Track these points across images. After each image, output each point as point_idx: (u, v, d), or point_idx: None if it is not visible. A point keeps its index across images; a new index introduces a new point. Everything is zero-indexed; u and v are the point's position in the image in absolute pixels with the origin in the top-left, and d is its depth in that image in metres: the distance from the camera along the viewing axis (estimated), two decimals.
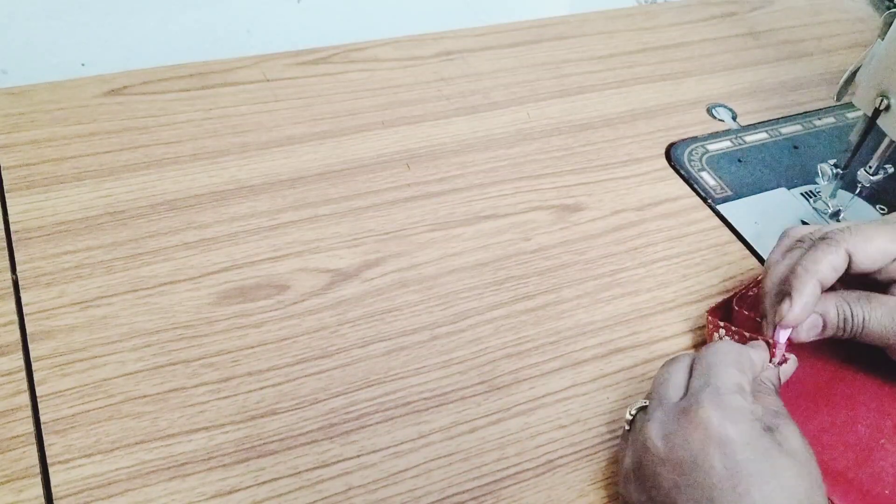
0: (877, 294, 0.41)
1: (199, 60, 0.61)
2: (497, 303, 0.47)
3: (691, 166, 0.58)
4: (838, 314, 0.40)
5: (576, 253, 0.50)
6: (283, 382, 0.41)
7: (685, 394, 0.36)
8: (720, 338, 0.43)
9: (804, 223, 0.55)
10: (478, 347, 0.44)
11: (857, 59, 0.51)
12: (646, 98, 0.64)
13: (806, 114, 0.65)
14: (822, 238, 0.40)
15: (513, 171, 0.56)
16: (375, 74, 0.62)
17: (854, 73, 0.51)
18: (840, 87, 0.52)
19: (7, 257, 0.45)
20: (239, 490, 0.37)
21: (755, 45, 0.73)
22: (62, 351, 0.41)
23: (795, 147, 0.62)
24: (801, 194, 0.58)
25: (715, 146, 0.61)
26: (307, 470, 0.38)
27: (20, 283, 0.44)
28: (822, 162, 0.54)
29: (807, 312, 0.39)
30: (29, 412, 0.38)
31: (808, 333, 0.40)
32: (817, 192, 0.57)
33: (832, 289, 0.42)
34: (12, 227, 0.47)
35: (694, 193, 0.56)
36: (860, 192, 0.54)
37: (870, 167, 0.52)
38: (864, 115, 0.50)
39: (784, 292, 0.40)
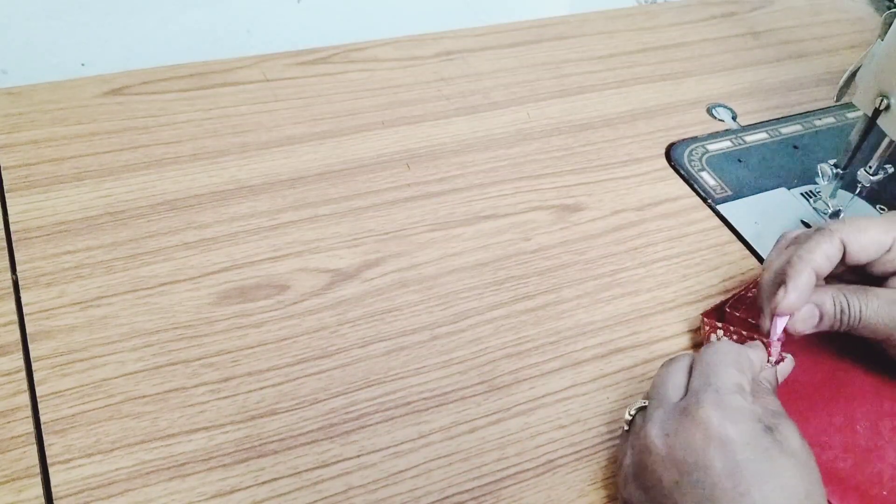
0: (873, 287, 0.41)
1: (199, 60, 0.61)
2: (497, 303, 0.47)
3: (691, 166, 0.58)
4: (835, 305, 0.40)
5: (576, 253, 0.50)
6: (283, 382, 0.41)
7: (685, 394, 0.36)
8: (718, 338, 0.44)
9: (804, 223, 0.55)
10: (478, 347, 0.44)
11: (857, 59, 0.51)
12: (646, 98, 0.64)
13: (806, 114, 0.65)
14: (817, 230, 0.41)
15: (513, 171, 0.56)
16: (375, 74, 0.62)
17: (854, 73, 0.51)
18: (840, 87, 0.52)
19: (7, 257, 0.45)
20: (239, 490, 0.37)
21: (755, 45, 0.73)
22: (62, 351, 0.41)
23: (795, 147, 0.62)
24: (801, 194, 0.58)
25: (715, 146, 0.61)
26: (307, 470, 0.38)
27: (20, 283, 0.44)
28: (822, 162, 0.54)
29: (802, 300, 0.39)
30: (29, 412, 0.38)
31: (804, 324, 0.40)
32: (817, 192, 0.57)
33: (829, 283, 0.42)
34: (12, 227, 0.47)
35: (694, 193, 0.56)
36: (860, 192, 0.54)
37: (870, 167, 0.52)
38: (864, 115, 0.50)
39: (780, 283, 0.40)
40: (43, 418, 0.38)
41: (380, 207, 0.51)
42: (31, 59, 0.64)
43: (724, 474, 0.32)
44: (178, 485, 0.37)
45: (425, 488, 0.38)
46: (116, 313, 0.43)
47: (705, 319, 0.45)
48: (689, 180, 0.57)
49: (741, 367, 0.36)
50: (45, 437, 0.38)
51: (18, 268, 0.45)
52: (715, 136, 0.62)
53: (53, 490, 0.36)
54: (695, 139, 0.61)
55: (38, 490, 0.36)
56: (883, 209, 0.57)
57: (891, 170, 0.53)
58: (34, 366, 0.40)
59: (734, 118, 0.64)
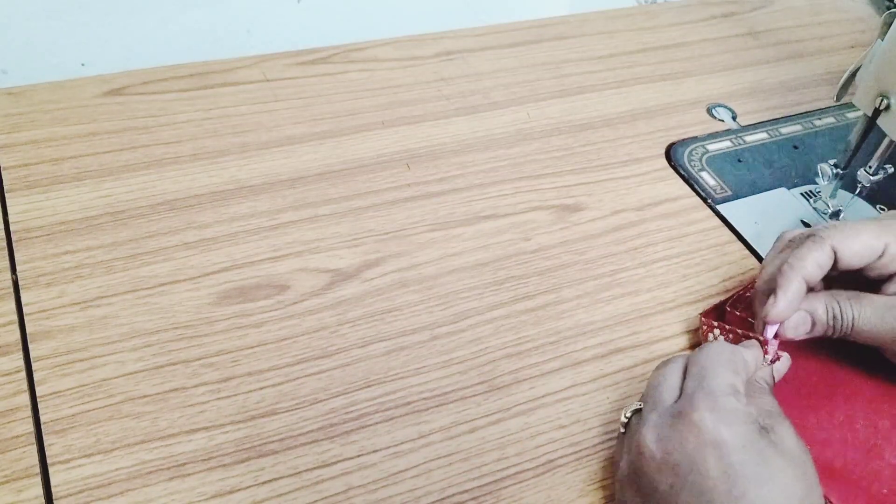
0: (867, 293, 0.41)
1: (199, 60, 0.61)
2: (497, 303, 0.47)
3: (691, 166, 0.58)
4: (827, 312, 0.40)
5: (576, 253, 0.50)
6: (283, 382, 0.41)
7: (679, 396, 0.36)
8: (714, 338, 0.44)
9: (804, 223, 0.55)
10: (478, 347, 0.44)
11: (857, 59, 0.51)
12: (646, 98, 0.64)
13: (806, 114, 0.65)
14: (808, 236, 0.40)
15: (513, 171, 0.56)
16: (375, 74, 0.62)
17: (854, 73, 0.51)
18: (840, 88, 0.52)
19: (7, 257, 0.45)
20: (239, 490, 0.37)
21: (755, 45, 0.73)
22: (62, 351, 0.41)
23: (795, 147, 0.62)
24: (801, 194, 0.58)
25: (715, 146, 0.61)
26: (307, 470, 0.38)
27: (20, 283, 0.44)
28: (822, 162, 0.54)
29: (791, 309, 0.39)
30: (29, 412, 0.38)
31: (795, 331, 0.40)
32: (817, 192, 0.57)
33: (828, 289, 0.42)
34: (12, 227, 0.47)
35: (694, 193, 0.56)
36: (860, 192, 0.54)
37: (870, 167, 0.52)
38: (864, 115, 0.50)
39: (771, 290, 0.40)
40: (43, 418, 0.38)
41: (380, 207, 0.51)
42: (31, 59, 0.64)
43: (719, 477, 0.32)
44: (178, 485, 0.37)
45: (425, 488, 0.38)
46: (116, 313, 0.43)
47: (703, 319, 0.45)
48: (689, 180, 0.57)
49: (735, 367, 0.36)
50: (45, 437, 0.38)
51: (18, 268, 0.45)
52: (715, 136, 0.62)
53: (53, 490, 0.36)
54: (695, 139, 0.61)
55: (38, 490, 0.36)
56: (883, 209, 0.57)
57: (891, 170, 0.53)
58: (34, 366, 0.40)
59: (734, 118, 0.64)
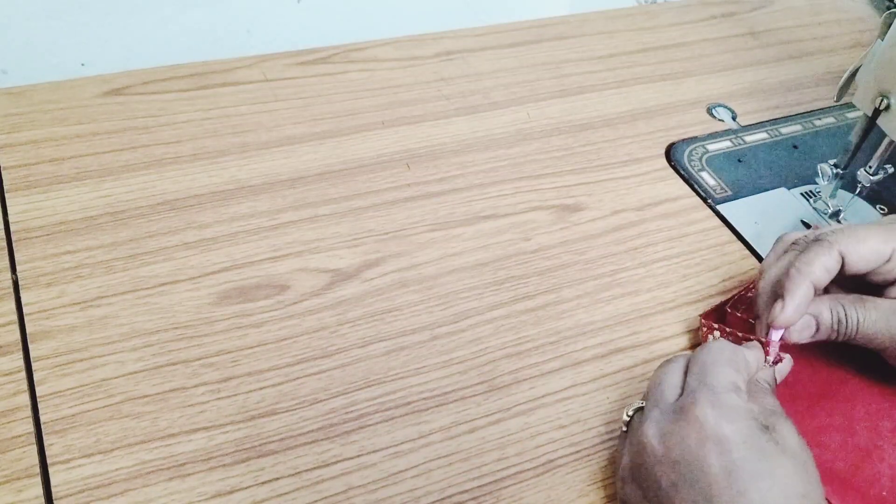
0: (871, 297, 0.41)
1: (199, 60, 0.61)
2: (497, 303, 0.47)
3: (691, 166, 0.58)
4: (832, 316, 0.40)
5: (576, 253, 0.50)
6: (283, 382, 0.41)
7: (681, 394, 0.36)
8: (715, 339, 0.44)
9: (804, 223, 0.55)
10: (478, 347, 0.44)
11: (857, 59, 0.51)
12: (646, 98, 0.64)
13: (806, 114, 0.65)
14: (816, 240, 0.40)
15: (513, 171, 0.56)
16: (375, 74, 0.62)
17: (854, 73, 0.51)
18: (840, 87, 0.52)
19: (7, 257, 0.45)
20: (239, 490, 0.37)
21: (755, 45, 0.73)
22: (62, 351, 0.41)
23: (795, 147, 0.62)
24: (801, 194, 0.58)
25: (715, 146, 0.61)
26: (307, 470, 0.38)
27: (20, 283, 0.44)
28: (822, 162, 0.54)
29: (799, 314, 0.39)
30: (29, 412, 0.38)
31: (800, 335, 0.40)
32: (817, 192, 0.57)
33: (826, 290, 0.42)
34: (12, 227, 0.47)
35: (694, 193, 0.56)
36: (860, 192, 0.54)
37: (870, 167, 0.52)
38: (864, 115, 0.50)
39: (777, 294, 0.40)
40: (43, 418, 0.38)
41: (380, 207, 0.51)
42: (31, 59, 0.64)
43: (720, 473, 0.32)
44: (178, 485, 0.37)
45: (425, 488, 0.38)
46: (116, 313, 0.43)
47: (703, 321, 0.45)
48: (689, 180, 0.57)
49: (737, 366, 0.36)
50: (45, 437, 0.38)
51: (18, 268, 0.45)
52: (715, 136, 0.62)
53: (53, 490, 0.36)
54: (695, 139, 0.61)
55: (38, 490, 0.36)
56: (883, 209, 0.57)
57: (891, 170, 0.53)
58: (34, 366, 0.40)
59: (734, 118, 0.64)
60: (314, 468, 0.38)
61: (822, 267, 0.39)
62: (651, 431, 0.34)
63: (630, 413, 0.38)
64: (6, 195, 0.49)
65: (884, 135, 0.50)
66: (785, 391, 0.42)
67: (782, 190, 0.58)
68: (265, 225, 0.49)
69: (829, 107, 0.66)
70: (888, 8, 0.70)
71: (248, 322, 0.44)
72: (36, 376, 0.40)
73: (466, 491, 0.38)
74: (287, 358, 0.42)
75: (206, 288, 0.45)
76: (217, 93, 0.58)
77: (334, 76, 0.62)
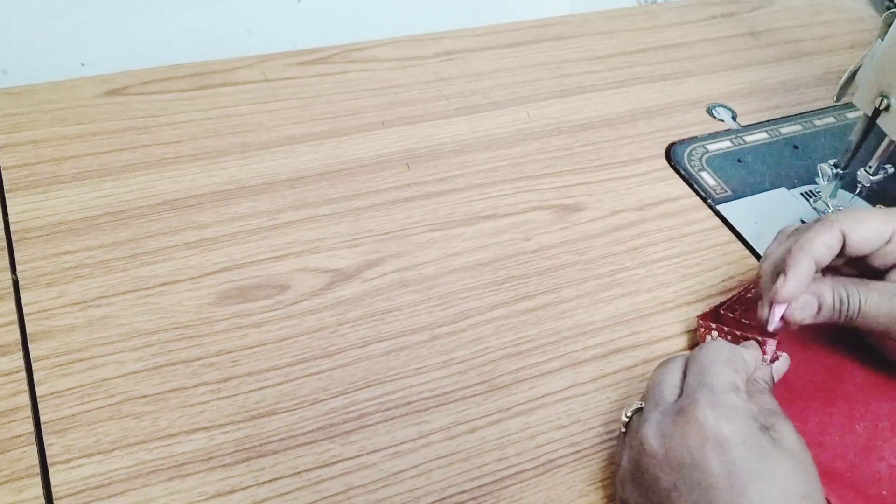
0: (873, 280, 0.41)
1: (199, 60, 0.61)
2: (497, 303, 0.47)
3: (691, 166, 0.58)
4: (834, 296, 0.40)
5: (576, 253, 0.50)
6: (283, 382, 0.41)
7: (680, 394, 0.36)
8: (713, 339, 0.44)
9: (804, 223, 0.55)
10: (478, 347, 0.44)
11: (857, 59, 0.51)
12: (646, 98, 0.64)
13: (806, 114, 0.65)
14: (817, 220, 0.41)
15: (513, 171, 0.56)
16: (375, 74, 0.62)
17: (854, 73, 0.51)
18: (840, 87, 0.52)
19: (7, 257, 0.45)
20: (239, 490, 0.37)
21: (755, 45, 0.73)
22: (62, 351, 0.41)
23: (795, 147, 0.62)
24: (801, 194, 0.58)
25: (715, 146, 0.61)
26: (307, 470, 0.38)
27: (20, 283, 0.44)
28: (822, 162, 0.54)
29: (801, 288, 0.39)
30: (29, 412, 0.38)
31: (802, 312, 0.40)
32: (817, 192, 0.57)
33: (827, 276, 0.42)
34: (12, 227, 0.47)
35: (694, 193, 0.56)
36: (860, 192, 0.54)
37: (870, 167, 0.52)
38: (864, 115, 0.50)
39: (779, 272, 0.40)
40: (43, 418, 0.38)
41: (380, 207, 0.51)
42: (31, 59, 0.64)
43: (720, 474, 0.32)
44: (178, 485, 0.37)
45: (425, 488, 0.38)
46: (116, 313, 0.43)
47: (700, 321, 0.45)
48: (689, 180, 0.57)
49: (735, 366, 0.36)
50: (45, 437, 0.38)
51: (18, 268, 0.45)
52: (715, 136, 0.62)
53: (53, 490, 0.36)
54: (695, 139, 0.61)
55: (38, 490, 0.36)
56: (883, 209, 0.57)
57: (891, 170, 0.53)
58: (34, 366, 0.40)
59: (734, 118, 0.64)
60: (314, 468, 0.38)
61: (823, 244, 0.39)
62: (650, 432, 0.34)
63: (629, 414, 0.38)
64: (6, 195, 0.49)
65: (884, 135, 0.50)
66: (784, 391, 0.42)
67: (782, 190, 0.58)
68: (265, 225, 0.49)
69: (829, 107, 0.66)
70: (888, 8, 0.70)
71: (248, 322, 0.44)
72: (36, 376, 0.40)
73: (466, 491, 0.38)
74: (287, 358, 0.42)
75: (206, 288, 0.45)
76: (217, 93, 0.58)
77: (334, 76, 0.62)
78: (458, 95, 0.61)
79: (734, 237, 0.53)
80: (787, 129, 0.63)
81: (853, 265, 0.42)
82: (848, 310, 0.40)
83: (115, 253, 0.46)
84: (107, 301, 0.44)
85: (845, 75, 0.51)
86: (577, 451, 0.40)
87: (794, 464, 0.33)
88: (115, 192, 0.50)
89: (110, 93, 0.57)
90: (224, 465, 0.38)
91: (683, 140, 0.61)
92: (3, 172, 0.50)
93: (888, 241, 0.40)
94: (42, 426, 0.38)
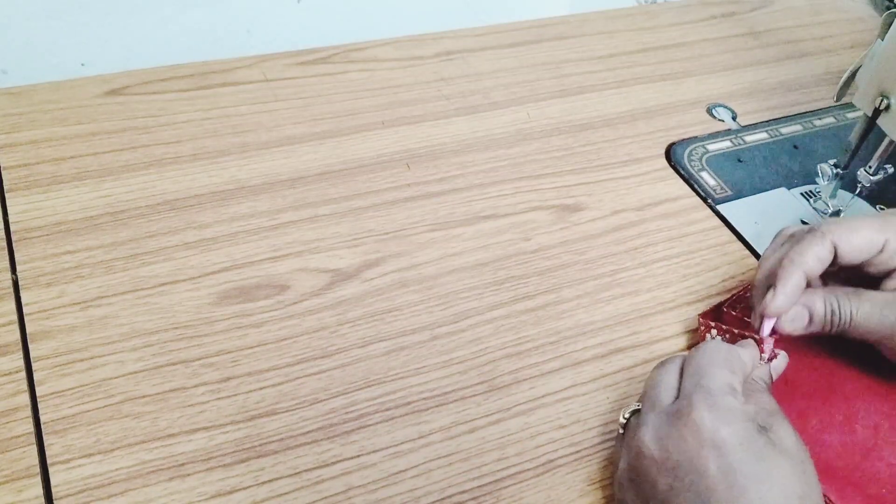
0: (866, 290, 0.41)
1: (199, 60, 0.61)
2: (497, 303, 0.47)
3: (691, 166, 0.58)
4: (825, 307, 0.40)
5: (576, 253, 0.50)
6: (283, 382, 0.41)
7: (677, 396, 0.36)
8: (712, 338, 0.44)
9: (804, 223, 0.55)
10: (478, 347, 0.44)
11: (857, 59, 0.51)
12: (646, 98, 0.64)
13: (806, 114, 0.65)
14: (809, 231, 0.40)
15: (513, 171, 0.56)
16: (375, 74, 0.62)
17: (854, 73, 0.51)
18: (840, 88, 0.52)
19: (7, 257, 0.45)
20: (239, 490, 0.37)
21: (755, 45, 0.73)
22: (62, 351, 0.41)
23: (795, 147, 0.62)
24: (801, 194, 0.58)
25: (715, 146, 0.61)
26: (307, 470, 0.38)
27: (20, 283, 0.44)
28: (822, 162, 0.54)
29: (790, 302, 0.39)
30: (29, 412, 0.38)
31: (792, 325, 0.40)
32: (817, 192, 0.57)
33: (825, 285, 0.42)
34: (12, 227, 0.47)
35: (694, 193, 0.56)
36: (860, 192, 0.54)
37: (870, 167, 0.52)
38: (864, 115, 0.50)
39: (771, 284, 0.40)
40: (43, 418, 0.38)
41: (380, 207, 0.51)
42: (31, 59, 0.64)
43: (718, 476, 0.32)
44: (178, 485, 0.37)
45: (425, 488, 0.38)
46: (116, 313, 0.43)
47: (701, 320, 0.45)
48: (689, 180, 0.57)
49: (732, 367, 0.36)
50: (45, 437, 0.38)
51: (18, 268, 0.45)
52: (715, 136, 0.62)
53: (53, 490, 0.36)
54: (695, 139, 0.61)
55: (38, 490, 0.36)
56: (883, 209, 0.57)
57: (891, 170, 0.53)
58: (34, 366, 0.40)
59: (734, 118, 0.64)
60: (314, 468, 0.38)
61: (814, 256, 0.39)
62: (648, 436, 0.34)
63: (626, 415, 0.37)
64: (6, 195, 0.49)
65: (884, 135, 0.50)
66: (784, 390, 0.42)
67: (782, 190, 0.58)
68: (265, 225, 0.49)
69: (829, 107, 0.66)
70: (888, 8, 0.70)
71: (248, 322, 0.44)
72: (36, 376, 0.40)
73: (466, 491, 0.38)
74: (287, 358, 0.42)
75: (206, 288, 0.45)
76: (217, 93, 0.58)
77: (334, 76, 0.62)
78: (458, 95, 0.61)
79: (734, 237, 0.53)
80: (787, 129, 0.63)
81: (846, 274, 0.42)
82: (839, 321, 0.40)
83: (115, 253, 0.46)
84: (107, 301, 0.44)
85: (845, 75, 0.51)
86: (577, 451, 0.40)
87: (792, 465, 0.33)
88: (115, 192, 0.50)
89: (110, 93, 0.57)
90: (224, 465, 0.38)
91: (683, 140, 0.61)
92: (3, 172, 0.50)
93: (881, 251, 0.40)
94: (42, 426, 0.38)
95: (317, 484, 0.38)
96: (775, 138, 0.62)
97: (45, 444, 0.37)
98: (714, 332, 0.44)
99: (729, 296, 0.47)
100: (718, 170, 0.58)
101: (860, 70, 0.50)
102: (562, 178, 0.56)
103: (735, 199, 0.56)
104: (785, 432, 0.34)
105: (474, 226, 0.51)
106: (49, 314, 0.43)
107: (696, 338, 0.47)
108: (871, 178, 0.52)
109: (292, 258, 0.47)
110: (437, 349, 0.44)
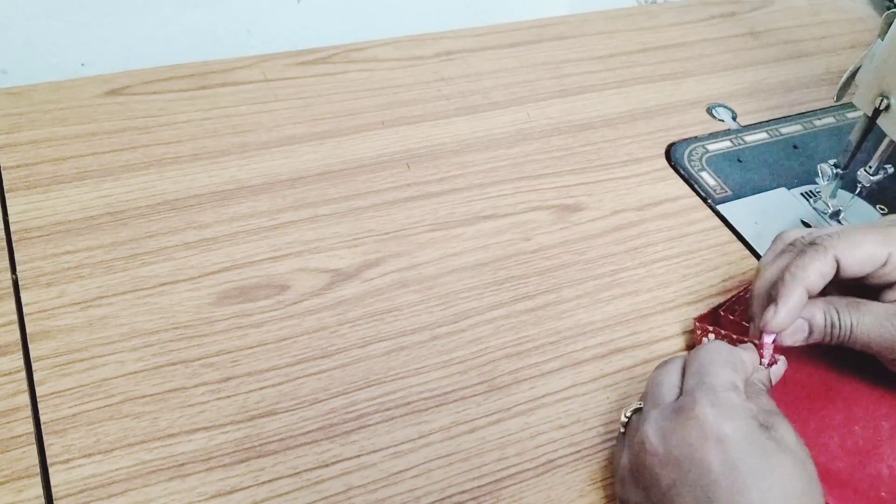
0: (866, 301, 0.40)
1: (199, 60, 0.61)
2: (497, 303, 0.47)
3: (691, 166, 0.58)
4: (825, 320, 0.40)
5: (576, 253, 0.50)
6: (283, 382, 0.41)
7: (679, 394, 0.36)
8: (709, 342, 0.44)
9: (804, 223, 0.55)
10: (478, 347, 0.44)
11: (857, 59, 0.51)
12: (646, 98, 0.64)
13: (806, 114, 0.65)
14: (811, 243, 0.40)
15: (513, 171, 0.56)
16: (375, 74, 0.62)
17: (854, 74, 0.51)
18: (840, 87, 0.52)
19: (7, 257, 0.45)
20: (239, 490, 0.37)
21: (755, 45, 0.73)
22: (62, 351, 0.41)
23: (795, 147, 0.62)
24: (801, 194, 0.58)
25: (715, 146, 0.61)
26: (307, 470, 0.38)
27: (20, 283, 0.44)
28: (822, 162, 0.54)
29: (791, 319, 0.39)
30: (29, 412, 0.38)
31: (793, 338, 0.40)
32: (817, 192, 0.57)
33: (823, 292, 0.42)
34: (12, 227, 0.47)
35: (694, 193, 0.56)
36: (860, 192, 0.54)
37: (870, 167, 0.52)
38: (864, 115, 0.50)
39: (772, 297, 0.40)
40: (43, 418, 0.38)
41: (380, 207, 0.51)
42: (31, 59, 0.64)
43: (721, 471, 0.32)
44: (178, 485, 0.37)
45: (425, 488, 0.38)
46: (116, 313, 0.43)
47: (697, 323, 0.45)
48: (689, 180, 0.57)
49: (734, 366, 0.36)
50: (45, 437, 0.38)
51: (18, 268, 0.45)
52: (715, 136, 0.62)
53: (53, 490, 0.36)
54: (695, 139, 0.61)
55: (38, 490, 0.36)
56: (883, 209, 0.57)
57: (891, 170, 0.53)
58: (34, 366, 0.40)
59: (734, 118, 0.64)
60: (314, 468, 0.38)
61: (816, 272, 0.39)
62: (651, 431, 0.34)
63: (628, 414, 0.38)
64: (6, 195, 0.49)
65: (884, 135, 0.50)
66: (783, 392, 0.42)
67: (782, 190, 0.58)
68: (265, 225, 0.49)
69: (829, 107, 0.66)
70: (888, 8, 0.70)
71: (248, 322, 0.44)
72: (36, 376, 0.40)
73: (466, 491, 0.38)
74: (287, 358, 0.42)
75: (206, 288, 0.45)
76: (217, 93, 0.58)
77: (334, 76, 0.62)
78: (458, 95, 0.61)
79: (734, 237, 0.53)
80: (787, 129, 0.63)
81: (845, 282, 0.41)
82: (840, 333, 0.40)
83: (115, 253, 0.46)
84: (107, 301, 0.44)
85: (845, 75, 0.51)
86: (577, 451, 0.40)
87: (794, 462, 0.33)
88: (115, 192, 0.50)
89: (110, 93, 0.57)
90: (224, 465, 0.38)
91: (683, 140, 0.61)
92: (3, 172, 0.50)
93: (884, 264, 0.39)
94: (42, 426, 0.38)
95: (317, 484, 0.38)
96: (775, 138, 0.62)
97: (45, 444, 0.37)
98: (711, 336, 0.44)
99: (725, 299, 0.47)
100: (718, 170, 0.58)
101: (860, 70, 0.50)
102: (562, 178, 0.56)
103: (735, 199, 0.56)
104: (786, 431, 0.34)
105: (474, 226, 0.51)
106: (49, 314, 0.43)
107: (694, 339, 0.46)
108: (871, 178, 0.52)
109: (292, 258, 0.47)
110: (437, 349, 0.44)
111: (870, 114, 0.50)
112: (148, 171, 0.51)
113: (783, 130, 0.63)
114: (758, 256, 0.52)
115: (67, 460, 0.37)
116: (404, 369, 0.43)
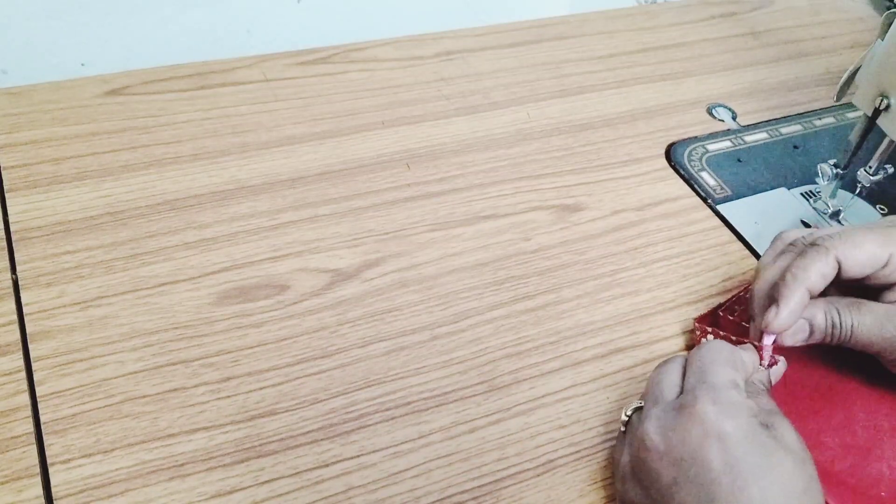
0: (867, 301, 0.40)
1: (199, 60, 0.61)
2: (497, 303, 0.47)
3: (691, 166, 0.58)
4: (826, 320, 0.40)
5: (576, 253, 0.50)
6: (283, 382, 0.41)
7: (680, 392, 0.36)
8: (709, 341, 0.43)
9: (804, 223, 0.55)
10: (478, 347, 0.44)
11: (857, 59, 0.51)
12: (646, 98, 0.64)
13: (806, 114, 0.65)
14: (812, 244, 0.40)
15: (513, 171, 0.56)
16: (375, 74, 0.62)
17: (854, 74, 0.51)
18: (840, 88, 0.52)
19: (7, 257, 0.45)
20: (239, 490, 0.37)
21: (755, 45, 0.73)
22: (62, 351, 0.41)
23: (795, 147, 0.62)
24: (801, 194, 0.58)
25: (715, 146, 0.61)
26: (307, 470, 0.38)
27: (20, 283, 0.44)
28: (822, 162, 0.54)
29: (792, 320, 0.39)
30: (29, 412, 0.38)
31: (793, 338, 0.40)
32: (817, 192, 0.57)
33: (824, 292, 0.42)
34: (12, 227, 0.47)
35: (694, 193, 0.56)
36: (860, 192, 0.54)
37: (870, 167, 0.52)
38: (864, 115, 0.50)
39: (772, 298, 0.40)
40: (43, 418, 0.38)
41: (380, 207, 0.51)
42: (31, 59, 0.64)
43: (721, 469, 0.32)
44: (178, 485, 0.37)
45: (425, 488, 0.38)
46: (116, 313, 0.43)
47: (696, 324, 0.45)
48: (689, 180, 0.57)
49: (735, 365, 0.36)
50: (45, 437, 0.38)
51: (18, 268, 0.45)
52: (715, 136, 0.62)
53: (53, 490, 0.36)
54: (695, 139, 0.61)
55: (38, 490, 0.36)
56: (883, 209, 0.57)
57: (891, 170, 0.53)
58: (34, 366, 0.40)
59: (734, 118, 0.64)
60: (314, 468, 0.38)
61: (818, 273, 0.39)
62: (652, 429, 0.34)
63: (629, 413, 0.38)
64: (6, 195, 0.49)
65: (884, 135, 0.50)
66: (784, 392, 0.42)
67: (782, 190, 0.58)
68: (265, 225, 0.49)
69: (829, 107, 0.66)
70: (888, 8, 0.70)
71: (248, 322, 0.44)
72: (36, 376, 0.40)
73: (466, 491, 0.38)
74: (287, 358, 0.42)
75: (206, 288, 0.45)
76: (217, 93, 0.58)
77: (334, 76, 0.62)
78: (458, 95, 0.61)
79: (734, 237, 0.53)
80: (787, 129, 0.63)
81: (845, 282, 0.41)
82: (840, 333, 0.40)
83: (115, 253, 0.46)
84: (107, 301, 0.44)
85: (845, 75, 0.51)
86: (577, 451, 0.40)
87: (795, 461, 0.33)
88: (115, 192, 0.50)
89: (110, 93, 0.57)
90: (224, 465, 0.38)
91: (683, 140, 0.61)
92: (3, 172, 0.50)
93: (885, 265, 0.39)
94: (42, 426, 0.38)
95: (317, 484, 0.38)
96: (775, 138, 0.62)
97: (45, 444, 0.37)
98: (711, 337, 0.44)
99: (725, 300, 0.47)
100: (718, 170, 0.58)
101: (860, 70, 0.50)
102: (562, 178, 0.56)
103: (735, 199, 0.56)
104: (787, 430, 0.34)
105: (474, 226, 0.51)
106: (49, 314, 0.43)
107: (693, 340, 0.46)
108: (871, 178, 0.52)
109: (292, 258, 0.47)
110: (437, 349, 0.44)
111: (870, 114, 0.50)
112: (148, 171, 0.51)
113: (783, 130, 0.63)
114: (758, 256, 0.52)
115: (67, 460, 0.37)
116: (404, 369, 0.43)
